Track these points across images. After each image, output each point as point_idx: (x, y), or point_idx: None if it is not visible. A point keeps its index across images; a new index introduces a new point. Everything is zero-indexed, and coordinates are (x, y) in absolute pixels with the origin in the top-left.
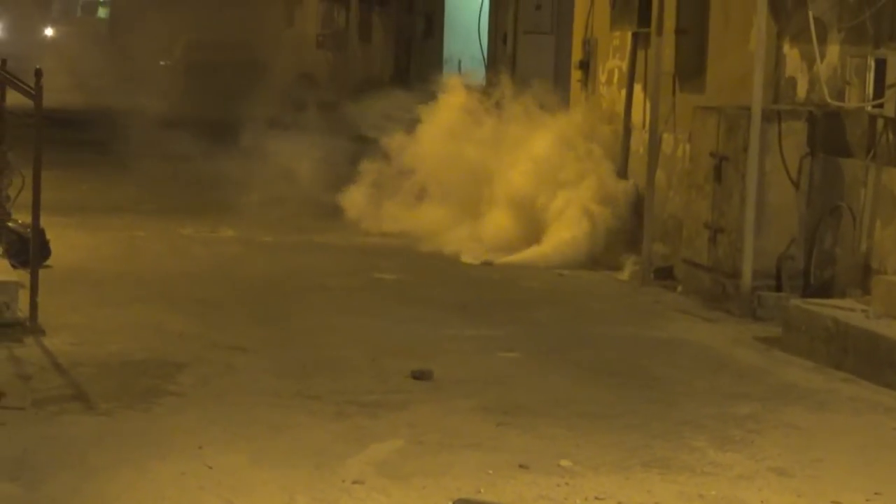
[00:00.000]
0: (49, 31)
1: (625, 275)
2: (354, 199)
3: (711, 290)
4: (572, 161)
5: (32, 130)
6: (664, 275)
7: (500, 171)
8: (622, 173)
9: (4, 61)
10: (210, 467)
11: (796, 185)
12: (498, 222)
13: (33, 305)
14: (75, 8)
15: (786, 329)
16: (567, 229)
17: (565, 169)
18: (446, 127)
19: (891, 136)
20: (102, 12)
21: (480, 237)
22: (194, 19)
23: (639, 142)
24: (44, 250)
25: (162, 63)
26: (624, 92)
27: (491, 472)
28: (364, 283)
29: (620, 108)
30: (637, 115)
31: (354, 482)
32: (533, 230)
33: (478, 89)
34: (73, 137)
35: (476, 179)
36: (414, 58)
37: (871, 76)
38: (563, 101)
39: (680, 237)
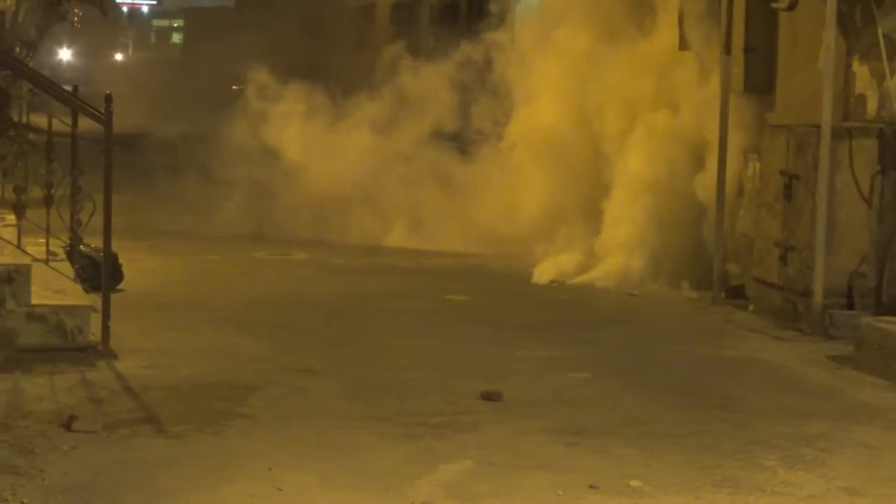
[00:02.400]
0: (119, 57)
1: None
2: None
3: (782, 308)
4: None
5: (103, 155)
6: (735, 294)
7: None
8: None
9: (76, 87)
10: (280, 489)
11: (867, 202)
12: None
13: (105, 329)
14: (149, 34)
15: (858, 347)
16: (634, 247)
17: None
18: None
19: None
20: (176, 38)
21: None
22: (267, 44)
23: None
24: (116, 274)
25: (234, 88)
26: None
27: (560, 492)
28: (434, 304)
29: None
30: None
31: (424, 503)
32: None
33: None
34: (144, 162)
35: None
36: None
37: None
38: None
39: (751, 256)
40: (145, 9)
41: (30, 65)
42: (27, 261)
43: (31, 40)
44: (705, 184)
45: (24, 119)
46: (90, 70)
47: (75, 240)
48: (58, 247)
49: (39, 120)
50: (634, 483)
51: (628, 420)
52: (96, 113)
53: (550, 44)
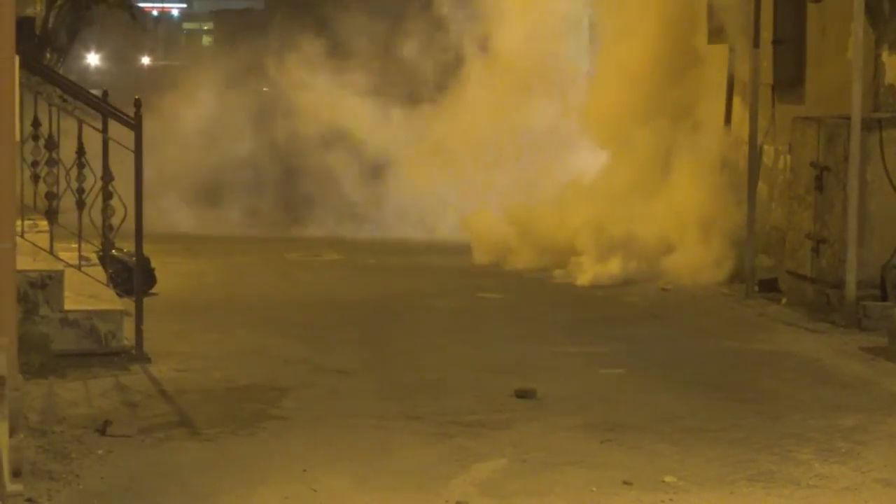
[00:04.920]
0: (146, 60)
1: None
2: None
3: (816, 301)
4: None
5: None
6: (768, 287)
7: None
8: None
9: (106, 92)
10: (314, 490)
11: None
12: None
13: (138, 333)
14: (179, 37)
15: (892, 339)
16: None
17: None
18: None
19: None
20: (206, 41)
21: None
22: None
23: (739, 154)
24: (149, 278)
25: (265, 89)
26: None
27: (595, 489)
28: (467, 303)
29: None
30: (737, 128)
31: (458, 503)
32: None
33: None
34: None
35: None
36: None
37: None
38: None
39: (783, 249)
40: (175, 12)
41: (60, 70)
42: (60, 266)
43: (61, 46)
44: None
45: (55, 125)
46: (118, 75)
47: (107, 245)
48: (90, 252)
49: (70, 125)
50: (669, 478)
51: (662, 415)
52: (126, 118)
53: None
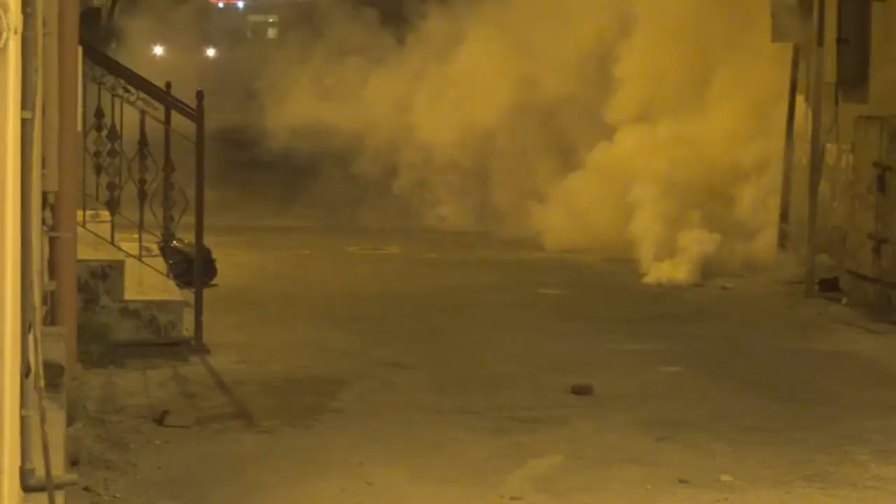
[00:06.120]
0: (211, 52)
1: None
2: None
3: (876, 301)
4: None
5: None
6: (829, 286)
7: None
8: (785, 185)
9: (169, 84)
10: (370, 484)
11: None
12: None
13: (198, 324)
14: (245, 29)
15: None
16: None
17: None
18: None
19: None
20: (272, 33)
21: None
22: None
23: (802, 153)
24: (209, 270)
25: (327, 82)
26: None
27: (650, 487)
28: (525, 298)
29: None
30: (800, 126)
31: (513, 498)
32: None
33: None
34: (240, 158)
35: None
36: None
37: None
38: None
39: (844, 248)
40: (241, 4)
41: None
42: (121, 257)
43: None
44: None
45: (118, 116)
46: (183, 65)
47: (168, 236)
48: (151, 243)
49: (133, 116)
50: (725, 477)
51: (718, 414)
52: (188, 109)
53: None
